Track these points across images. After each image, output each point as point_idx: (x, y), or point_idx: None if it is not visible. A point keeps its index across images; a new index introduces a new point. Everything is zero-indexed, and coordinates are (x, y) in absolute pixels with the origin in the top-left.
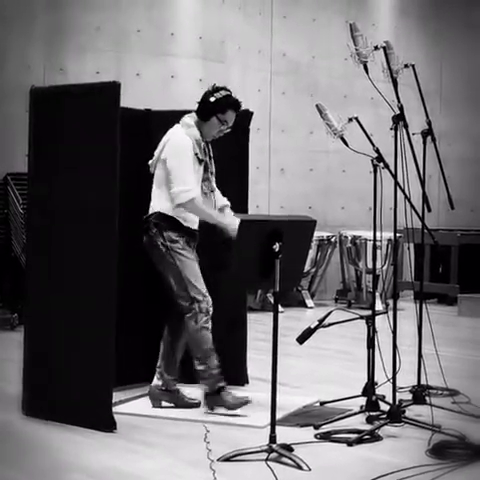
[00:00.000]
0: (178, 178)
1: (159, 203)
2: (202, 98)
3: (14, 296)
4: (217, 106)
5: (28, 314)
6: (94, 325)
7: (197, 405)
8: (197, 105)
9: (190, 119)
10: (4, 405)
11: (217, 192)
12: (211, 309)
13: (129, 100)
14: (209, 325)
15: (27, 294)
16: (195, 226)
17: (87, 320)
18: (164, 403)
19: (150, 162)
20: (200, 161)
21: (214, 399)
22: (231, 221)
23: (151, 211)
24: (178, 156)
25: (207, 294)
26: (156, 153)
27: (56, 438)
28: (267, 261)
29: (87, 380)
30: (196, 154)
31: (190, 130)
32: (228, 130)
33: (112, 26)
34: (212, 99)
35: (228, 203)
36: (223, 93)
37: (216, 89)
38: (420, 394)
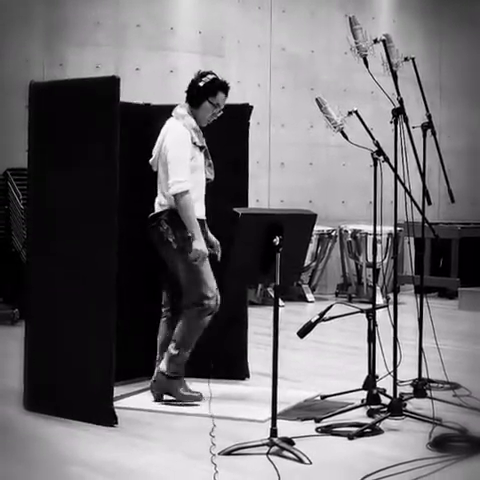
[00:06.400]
0: (174, 169)
1: (169, 201)
2: (190, 86)
3: (14, 291)
4: (207, 90)
5: (28, 309)
6: (95, 320)
7: (197, 399)
8: (186, 94)
9: (182, 109)
10: (5, 400)
11: None
12: (217, 307)
13: (129, 94)
14: (206, 325)
15: (27, 289)
16: (203, 215)
17: (87, 315)
18: (165, 396)
19: (151, 161)
20: (200, 148)
21: (168, 382)
22: (201, 247)
23: (159, 208)
24: (177, 149)
25: (216, 291)
26: (155, 151)
27: (57, 432)
28: (267, 255)
29: (88, 374)
30: (194, 143)
31: (186, 120)
32: (220, 113)
33: (112, 21)
34: (201, 84)
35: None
36: (210, 77)
37: (202, 74)
38: (421, 387)
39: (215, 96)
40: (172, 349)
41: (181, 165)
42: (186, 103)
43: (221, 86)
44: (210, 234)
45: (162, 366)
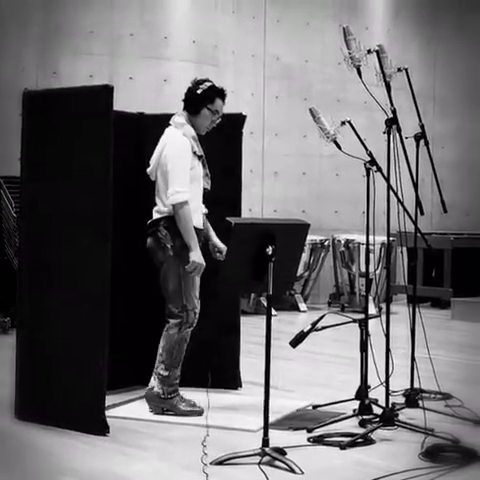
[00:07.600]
0: (174, 179)
1: (169, 208)
2: (187, 94)
3: (6, 300)
4: (205, 97)
5: (20, 318)
6: (87, 328)
7: (199, 413)
8: (183, 102)
9: (181, 118)
10: None
11: None
12: (196, 321)
13: (122, 103)
14: (188, 338)
15: (19, 298)
16: (200, 225)
17: (80, 323)
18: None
19: (149, 170)
20: (199, 157)
21: (165, 402)
22: (198, 258)
23: (157, 215)
24: (178, 159)
25: (197, 306)
26: (153, 160)
27: (48, 442)
28: (260, 264)
29: (80, 383)
30: (194, 152)
31: (185, 129)
32: (219, 120)
33: (105, 29)
34: (199, 91)
35: (206, 210)
36: (207, 84)
37: (199, 82)
38: (413, 397)
39: (213, 103)
40: (162, 371)
41: (181, 175)
42: (184, 111)
43: (219, 93)
44: (218, 241)
45: (156, 389)
